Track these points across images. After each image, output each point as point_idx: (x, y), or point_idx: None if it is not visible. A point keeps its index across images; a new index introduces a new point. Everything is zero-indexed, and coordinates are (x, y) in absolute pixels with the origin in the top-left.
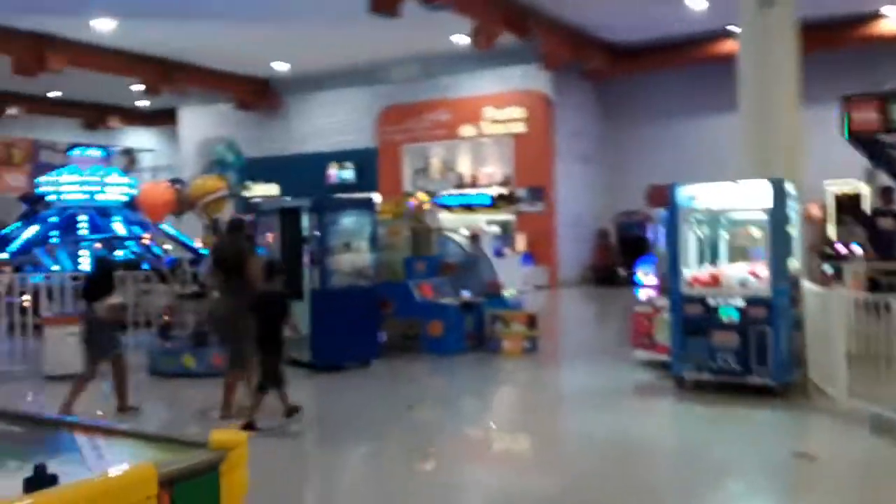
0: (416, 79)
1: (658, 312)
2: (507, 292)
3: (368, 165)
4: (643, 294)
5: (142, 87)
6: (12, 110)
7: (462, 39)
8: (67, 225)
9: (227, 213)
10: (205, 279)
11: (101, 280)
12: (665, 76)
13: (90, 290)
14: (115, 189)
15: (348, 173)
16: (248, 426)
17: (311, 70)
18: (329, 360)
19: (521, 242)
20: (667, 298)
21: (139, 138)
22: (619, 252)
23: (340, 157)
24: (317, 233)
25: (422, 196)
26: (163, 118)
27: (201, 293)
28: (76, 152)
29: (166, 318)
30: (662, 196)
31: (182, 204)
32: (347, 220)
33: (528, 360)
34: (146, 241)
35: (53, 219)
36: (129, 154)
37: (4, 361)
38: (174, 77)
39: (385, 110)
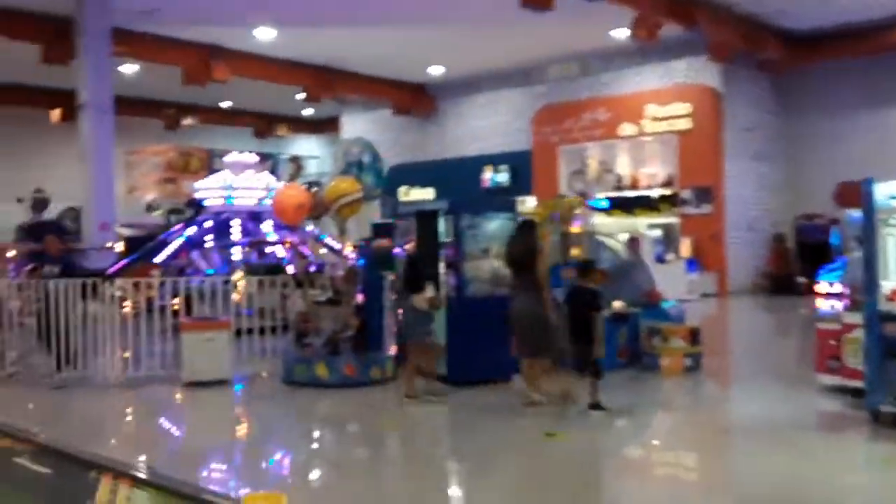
0: (573, 77)
1: (848, 330)
2: (667, 301)
3: (523, 168)
4: (825, 305)
5: (303, 95)
6: (188, 120)
7: (622, 34)
8: (221, 229)
9: (367, 216)
10: (338, 285)
11: (416, 273)
12: (851, 65)
13: (408, 283)
14: (263, 193)
15: (503, 176)
16: (595, 406)
17: (466, 73)
18: (465, 375)
19: (685, 247)
20: (858, 314)
21: (306, 145)
22: (799, 258)
23: (495, 160)
24: (452, 237)
25: (573, 199)
26: (327, 125)
27: (336, 300)
28: (228, 157)
29: (302, 324)
30: (854, 195)
31: (318, 207)
32: (486, 224)
33: (689, 380)
34: (290, 246)
35: (208, 223)
36: (296, 161)
37: (148, 366)
38: (333, 84)
39: (541, 111)
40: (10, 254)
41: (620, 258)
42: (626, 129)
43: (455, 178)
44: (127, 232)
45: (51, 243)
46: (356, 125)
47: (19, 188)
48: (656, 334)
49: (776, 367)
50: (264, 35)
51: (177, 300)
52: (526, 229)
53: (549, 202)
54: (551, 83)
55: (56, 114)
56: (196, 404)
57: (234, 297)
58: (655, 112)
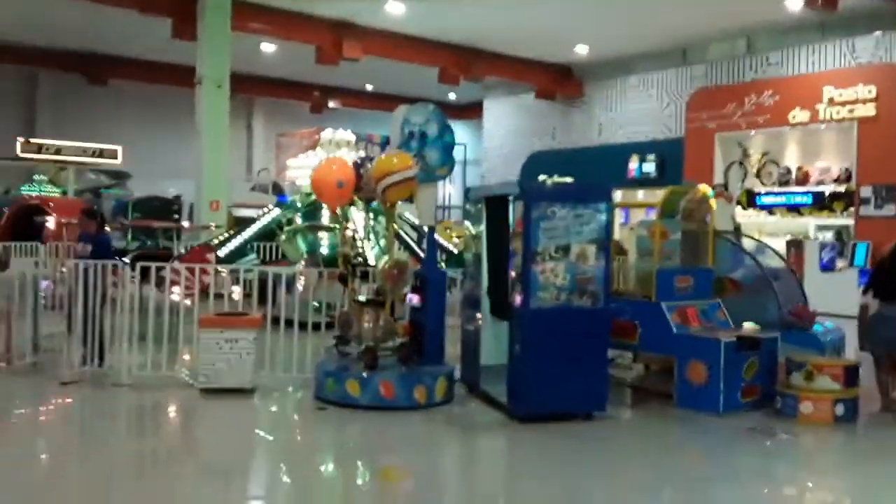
0: (737, 56)
1: None
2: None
3: (674, 157)
4: None
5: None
6: (333, 103)
7: (796, 4)
8: (309, 213)
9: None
10: (381, 285)
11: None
12: None
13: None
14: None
15: (650, 166)
16: None
17: (616, 53)
18: (532, 408)
19: (861, 255)
20: None
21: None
22: None
23: (643, 148)
24: (520, 230)
25: (703, 187)
26: (472, 111)
27: (379, 301)
28: (323, 134)
29: (343, 327)
30: None
31: (366, 186)
32: (568, 215)
33: (838, 436)
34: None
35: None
36: None
37: (173, 365)
38: (471, 65)
39: (697, 94)
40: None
41: (760, 265)
42: (797, 115)
43: (598, 167)
44: (243, 213)
45: (83, 221)
46: (498, 110)
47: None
48: (797, 369)
49: None
50: (394, 9)
51: (236, 288)
52: None
53: (674, 192)
54: (711, 63)
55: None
56: (190, 418)
57: (298, 288)
58: (833, 95)
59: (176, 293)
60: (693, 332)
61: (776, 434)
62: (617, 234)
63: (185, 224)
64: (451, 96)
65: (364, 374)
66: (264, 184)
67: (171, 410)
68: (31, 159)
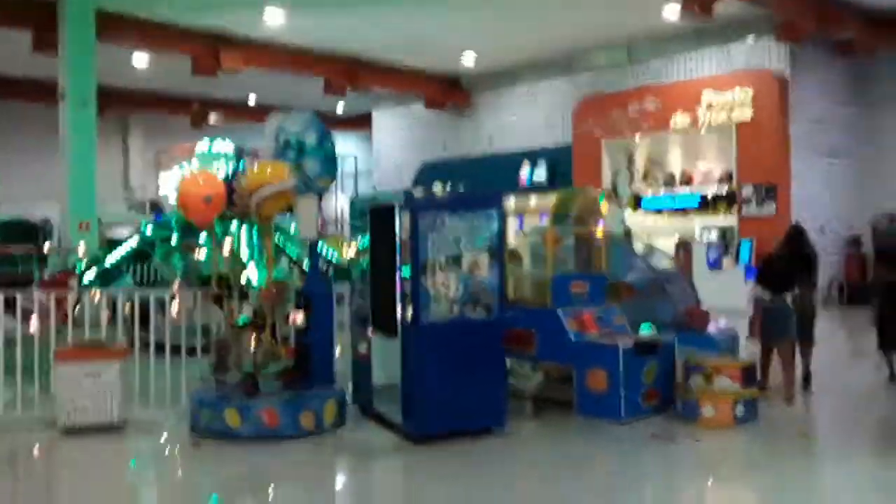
0: (619, 64)
1: None
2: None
3: (563, 164)
4: None
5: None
6: (215, 116)
7: (674, 13)
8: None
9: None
10: (259, 306)
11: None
12: None
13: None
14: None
15: (541, 174)
16: None
17: (502, 62)
18: (428, 427)
19: (745, 253)
20: None
21: (342, 144)
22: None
23: (533, 156)
24: (408, 241)
25: (594, 193)
26: (361, 123)
27: (258, 323)
28: (198, 147)
29: (221, 353)
30: None
31: (239, 200)
32: (458, 224)
33: (741, 438)
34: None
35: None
36: None
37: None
38: (357, 76)
39: (583, 102)
40: None
41: (653, 268)
42: (679, 120)
43: (490, 175)
44: (117, 233)
45: None
46: (387, 121)
47: None
48: (696, 371)
49: (877, 418)
50: (274, 20)
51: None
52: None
53: (564, 196)
54: (595, 71)
55: None
56: (51, 461)
57: (173, 312)
58: (712, 100)
59: (33, 323)
60: (591, 339)
61: (678, 439)
62: (512, 240)
63: (45, 247)
64: (340, 108)
65: (244, 403)
66: (141, 201)
67: (28, 453)
68: None
